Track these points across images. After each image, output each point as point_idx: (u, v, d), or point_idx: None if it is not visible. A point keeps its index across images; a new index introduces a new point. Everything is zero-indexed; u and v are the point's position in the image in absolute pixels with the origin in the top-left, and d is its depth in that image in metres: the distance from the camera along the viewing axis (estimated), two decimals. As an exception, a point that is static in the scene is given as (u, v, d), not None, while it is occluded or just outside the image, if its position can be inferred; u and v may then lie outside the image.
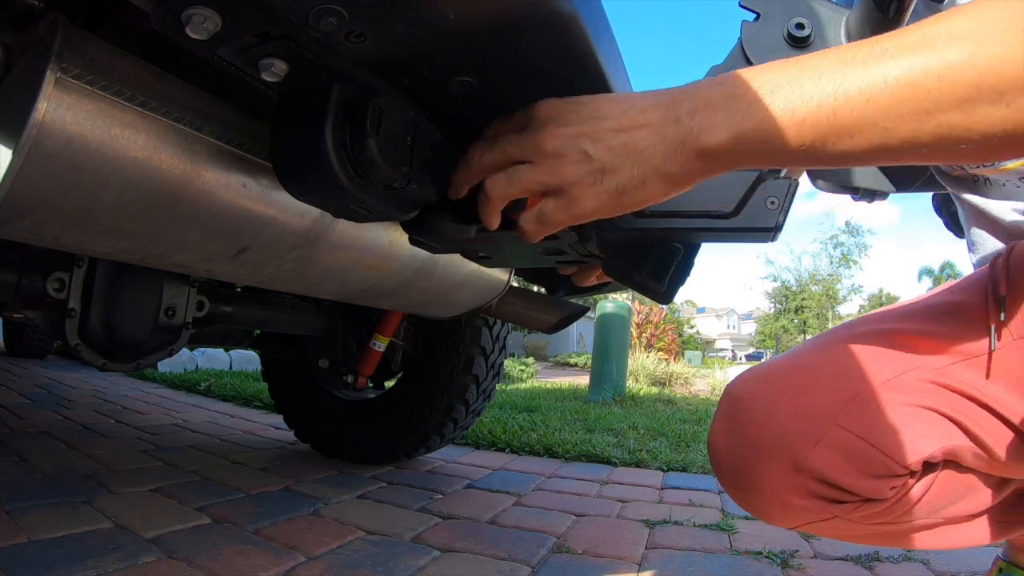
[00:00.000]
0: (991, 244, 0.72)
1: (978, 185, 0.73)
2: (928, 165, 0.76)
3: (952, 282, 0.71)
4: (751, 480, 0.59)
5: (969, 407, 0.56)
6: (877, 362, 0.58)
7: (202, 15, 0.42)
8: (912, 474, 0.55)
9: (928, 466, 0.56)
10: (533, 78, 0.55)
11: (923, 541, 0.62)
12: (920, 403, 0.56)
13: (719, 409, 0.63)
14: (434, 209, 0.67)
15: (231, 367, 4.74)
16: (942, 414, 0.56)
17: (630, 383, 5.21)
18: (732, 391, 0.63)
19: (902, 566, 1.12)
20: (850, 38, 0.56)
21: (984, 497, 0.61)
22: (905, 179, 0.81)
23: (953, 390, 0.57)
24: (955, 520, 0.61)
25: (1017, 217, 0.69)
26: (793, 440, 0.55)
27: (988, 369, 0.56)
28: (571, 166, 0.44)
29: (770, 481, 0.57)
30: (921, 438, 0.54)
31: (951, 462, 0.57)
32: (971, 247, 0.77)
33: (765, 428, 0.57)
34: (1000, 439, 0.55)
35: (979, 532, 0.64)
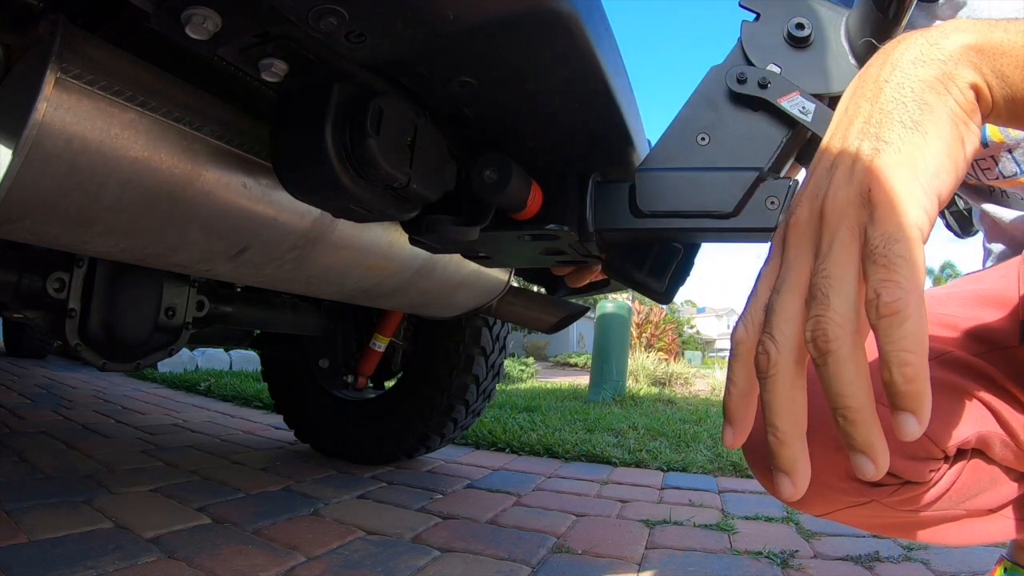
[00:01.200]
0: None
1: (994, 196, 0.73)
2: None
3: (981, 272, 0.70)
4: None
5: (1001, 397, 0.55)
6: None
7: (202, 15, 0.42)
8: (946, 459, 0.53)
9: (959, 453, 0.55)
10: (533, 78, 0.55)
11: (948, 535, 0.61)
12: (959, 385, 0.54)
13: None
14: (437, 210, 0.67)
15: (231, 367, 4.74)
16: (979, 399, 0.54)
17: (630, 383, 5.20)
18: None
19: (902, 566, 1.12)
20: (850, 38, 0.56)
21: (1006, 491, 0.60)
22: None
23: (987, 376, 0.55)
24: (976, 513, 0.60)
25: (1015, 215, 0.69)
26: None
27: (1016, 364, 0.55)
28: None
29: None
30: (961, 422, 0.52)
31: (978, 451, 0.56)
32: (987, 256, 0.77)
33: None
34: None
35: (1003, 527, 0.63)
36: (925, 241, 0.27)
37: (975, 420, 0.54)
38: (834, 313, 0.27)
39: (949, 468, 0.55)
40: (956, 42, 0.32)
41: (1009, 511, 0.63)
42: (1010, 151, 0.65)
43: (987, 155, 0.67)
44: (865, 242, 0.27)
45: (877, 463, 0.27)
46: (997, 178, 0.68)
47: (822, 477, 0.54)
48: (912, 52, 0.33)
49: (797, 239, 0.31)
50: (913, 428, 0.26)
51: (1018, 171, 0.65)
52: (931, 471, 0.52)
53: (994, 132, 0.64)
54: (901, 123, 0.30)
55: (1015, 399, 0.55)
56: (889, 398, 0.26)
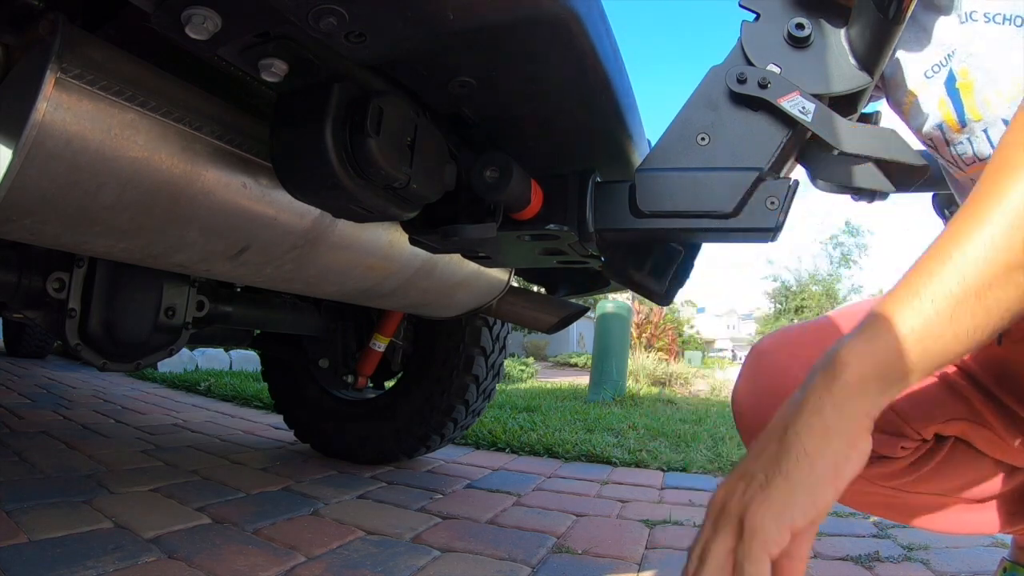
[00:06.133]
0: None
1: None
2: (931, 164, 0.76)
3: None
4: None
5: (977, 390, 0.57)
6: None
7: (202, 15, 0.42)
8: (924, 441, 0.57)
9: (940, 439, 0.58)
10: (533, 79, 0.55)
11: (937, 521, 0.64)
12: (938, 374, 0.57)
13: (744, 367, 0.68)
14: (437, 210, 0.67)
15: (231, 367, 4.73)
16: (956, 389, 0.58)
17: (630, 383, 5.20)
18: (756, 347, 0.67)
19: (902, 566, 1.12)
20: (850, 39, 0.56)
21: (997, 483, 0.61)
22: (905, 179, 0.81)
23: (966, 370, 0.58)
24: (968, 502, 0.62)
25: None
26: None
27: (997, 363, 0.57)
28: None
29: None
30: (935, 407, 0.56)
31: (963, 441, 0.59)
32: None
33: (784, 376, 0.59)
34: (1012, 428, 0.56)
35: (988, 519, 0.65)
36: (774, 556, 0.38)
37: (949, 408, 0.57)
38: None
39: (927, 449, 0.58)
40: (856, 409, 0.40)
41: (994, 504, 0.65)
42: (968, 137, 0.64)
43: (962, 138, 0.65)
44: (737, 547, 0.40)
45: None
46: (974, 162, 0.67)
47: None
48: (811, 407, 0.40)
49: (709, 517, 0.43)
50: None
51: (971, 151, 0.64)
52: (902, 447, 0.57)
53: (972, 112, 0.63)
54: (782, 475, 0.39)
55: (990, 393, 0.58)
56: None
